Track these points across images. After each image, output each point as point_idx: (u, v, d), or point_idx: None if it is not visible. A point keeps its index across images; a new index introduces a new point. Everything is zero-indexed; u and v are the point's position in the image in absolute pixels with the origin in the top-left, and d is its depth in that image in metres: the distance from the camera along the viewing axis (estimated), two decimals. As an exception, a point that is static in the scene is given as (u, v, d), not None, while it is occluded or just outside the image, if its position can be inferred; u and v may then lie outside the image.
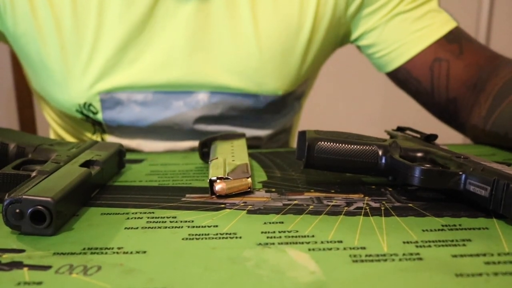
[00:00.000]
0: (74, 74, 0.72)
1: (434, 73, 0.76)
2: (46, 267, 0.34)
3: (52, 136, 0.88)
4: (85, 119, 0.76)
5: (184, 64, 0.72)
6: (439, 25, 0.76)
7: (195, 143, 0.77)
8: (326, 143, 0.50)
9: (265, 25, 0.73)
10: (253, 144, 0.80)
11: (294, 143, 0.92)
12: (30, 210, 0.38)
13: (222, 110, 0.76)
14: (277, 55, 0.74)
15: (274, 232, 0.40)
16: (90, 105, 0.74)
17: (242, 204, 0.46)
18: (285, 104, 0.80)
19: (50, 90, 0.75)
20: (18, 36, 0.72)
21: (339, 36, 0.79)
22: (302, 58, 0.76)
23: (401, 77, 0.79)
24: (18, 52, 0.76)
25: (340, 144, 0.50)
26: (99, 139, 0.79)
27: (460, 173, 0.44)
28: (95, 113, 0.75)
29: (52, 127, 0.86)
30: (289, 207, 0.45)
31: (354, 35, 0.79)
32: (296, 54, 0.75)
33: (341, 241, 0.38)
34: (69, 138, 0.83)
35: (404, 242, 0.38)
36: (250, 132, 0.79)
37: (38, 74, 0.76)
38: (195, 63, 0.73)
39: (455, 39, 0.76)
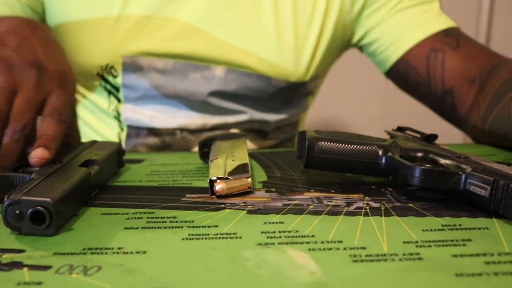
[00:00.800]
0: (102, 34, 0.75)
1: (430, 63, 0.77)
2: (46, 267, 0.34)
3: None
4: (103, 88, 0.79)
5: (205, 38, 0.75)
6: (439, 22, 0.79)
7: (206, 120, 0.80)
8: (326, 143, 0.50)
9: (284, 12, 0.77)
10: (260, 128, 0.83)
11: None
12: (29, 211, 0.38)
13: (235, 88, 0.78)
14: (292, 41, 0.77)
15: (274, 232, 0.40)
16: (112, 67, 0.77)
17: (242, 204, 0.46)
18: (294, 96, 0.83)
19: (74, 53, 0.77)
20: None
21: (346, 35, 0.82)
22: (314, 48, 0.79)
23: (401, 69, 0.80)
24: (51, 15, 0.77)
25: (340, 144, 0.50)
26: (113, 112, 0.80)
27: (460, 173, 0.44)
28: (115, 77, 0.77)
29: None
30: (289, 207, 0.45)
31: (358, 34, 0.82)
32: (309, 43, 0.79)
33: (341, 241, 0.38)
34: (82, 114, 0.84)
35: (404, 242, 0.38)
36: (259, 115, 0.82)
37: (64, 38, 0.77)
38: (215, 38, 0.76)
39: (453, 34, 0.78)
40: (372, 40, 0.81)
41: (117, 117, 0.80)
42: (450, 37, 0.77)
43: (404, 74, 0.80)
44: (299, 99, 0.85)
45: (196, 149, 0.80)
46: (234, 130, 0.82)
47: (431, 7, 0.79)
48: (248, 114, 0.81)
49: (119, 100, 0.79)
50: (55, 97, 0.49)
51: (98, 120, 0.82)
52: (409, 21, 0.78)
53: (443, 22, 0.79)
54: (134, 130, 0.80)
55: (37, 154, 0.46)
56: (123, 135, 0.81)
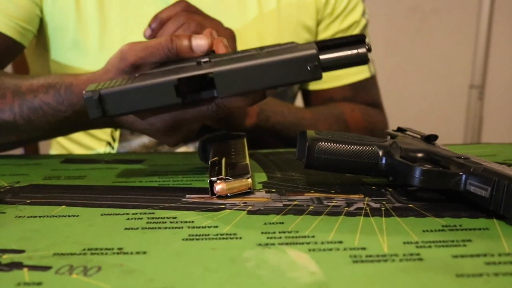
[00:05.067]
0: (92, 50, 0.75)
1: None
2: (46, 268, 0.34)
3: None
4: None
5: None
6: (354, 73, 0.87)
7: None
8: (326, 143, 0.50)
9: (268, 13, 0.79)
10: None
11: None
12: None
13: None
14: (292, 26, 0.81)
15: (274, 232, 0.40)
16: None
17: (242, 204, 0.46)
18: (285, 92, 0.86)
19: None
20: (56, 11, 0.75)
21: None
22: (310, 37, 0.84)
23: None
24: (50, 33, 0.77)
25: (341, 145, 0.50)
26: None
27: (461, 173, 0.44)
28: None
29: None
30: (289, 207, 0.45)
31: None
32: (305, 31, 0.82)
33: (341, 242, 0.38)
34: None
35: (404, 243, 0.38)
36: None
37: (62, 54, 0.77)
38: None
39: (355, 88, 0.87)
40: None
41: None
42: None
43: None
44: (290, 98, 0.88)
45: (191, 144, 0.80)
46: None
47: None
48: None
49: None
50: None
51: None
52: None
53: (357, 74, 0.87)
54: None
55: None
56: (117, 134, 0.81)
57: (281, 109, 0.75)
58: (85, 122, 0.62)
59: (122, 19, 0.75)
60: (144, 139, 0.80)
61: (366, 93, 0.89)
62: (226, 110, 0.52)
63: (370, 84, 0.89)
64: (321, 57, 0.49)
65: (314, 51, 0.48)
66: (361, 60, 0.50)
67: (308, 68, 0.48)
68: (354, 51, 0.50)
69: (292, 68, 0.48)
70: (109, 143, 0.80)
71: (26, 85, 0.61)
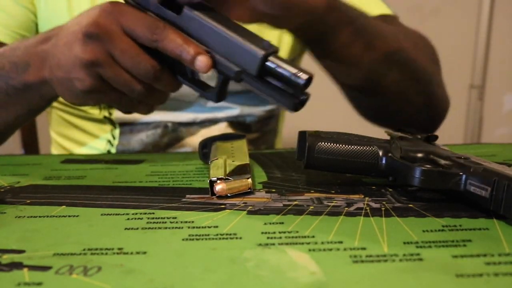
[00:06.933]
0: None
1: None
2: (46, 268, 0.34)
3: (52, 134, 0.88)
4: None
5: None
6: (376, 7, 0.79)
7: (197, 115, 0.81)
8: (326, 143, 0.50)
9: None
10: (245, 121, 0.84)
11: (280, 146, 0.96)
12: None
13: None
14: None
15: (274, 232, 0.40)
16: None
17: (242, 204, 0.46)
18: None
19: None
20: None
21: None
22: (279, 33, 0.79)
23: None
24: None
25: (341, 145, 0.50)
26: (104, 112, 0.80)
27: (461, 173, 0.44)
28: None
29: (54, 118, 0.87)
30: (289, 207, 0.45)
31: None
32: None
33: (341, 242, 0.38)
34: (70, 118, 0.84)
35: (404, 243, 0.38)
36: (248, 109, 0.83)
37: None
38: None
39: (388, 21, 0.78)
40: None
41: (108, 117, 0.80)
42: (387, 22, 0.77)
43: None
44: None
45: (188, 140, 0.81)
46: (222, 124, 0.82)
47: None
48: (238, 109, 0.83)
49: (110, 106, 0.79)
50: None
51: (88, 122, 0.82)
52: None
53: (380, 8, 0.79)
54: (128, 127, 0.80)
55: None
56: (116, 132, 0.81)
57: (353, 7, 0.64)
58: (30, 99, 0.59)
59: None
60: (142, 136, 0.80)
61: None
62: (163, 39, 0.49)
63: (396, 23, 0.80)
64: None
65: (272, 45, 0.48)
66: (294, 91, 0.47)
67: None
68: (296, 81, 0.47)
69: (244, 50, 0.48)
70: (109, 141, 0.81)
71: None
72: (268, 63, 0.47)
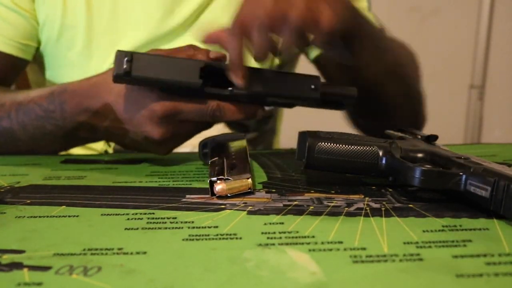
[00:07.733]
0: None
1: None
2: (46, 268, 0.34)
3: None
4: None
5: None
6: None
7: None
8: (326, 143, 0.50)
9: None
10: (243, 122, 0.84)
11: (278, 146, 0.95)
12: None
13: None
14: None
15: (274, 232, 0.40)
16: None
17: (243, 204, 0.46)
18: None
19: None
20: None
21: None
22: None
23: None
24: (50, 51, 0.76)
25: (341, 145, 0.50)
26: None
27: (461, 173, 0.44)
28: None
29: None
30: (289, 207, 0.45)
31: None
32: None
33: (341, 242, 0.38)
34: None
35: (404, 243, 0.38)
36: None
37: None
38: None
39: None
40: None
41: None
42: None
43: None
44: None
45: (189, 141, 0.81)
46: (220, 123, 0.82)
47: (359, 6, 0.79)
48: None
49: None
50: None
51: None
52: None
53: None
54: None
55: None
56: None
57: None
58: (76, 132, 0.60)
59: (111, 26, 0.74)
60: None
61: None
62: (222, 116, 0.54)
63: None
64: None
65: (318, 75, 0.57)
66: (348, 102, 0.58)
67: (312, 86, 0.55)
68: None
69: (300, 83, 0.56)
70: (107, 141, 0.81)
71: (24, 94, 0.63)
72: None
